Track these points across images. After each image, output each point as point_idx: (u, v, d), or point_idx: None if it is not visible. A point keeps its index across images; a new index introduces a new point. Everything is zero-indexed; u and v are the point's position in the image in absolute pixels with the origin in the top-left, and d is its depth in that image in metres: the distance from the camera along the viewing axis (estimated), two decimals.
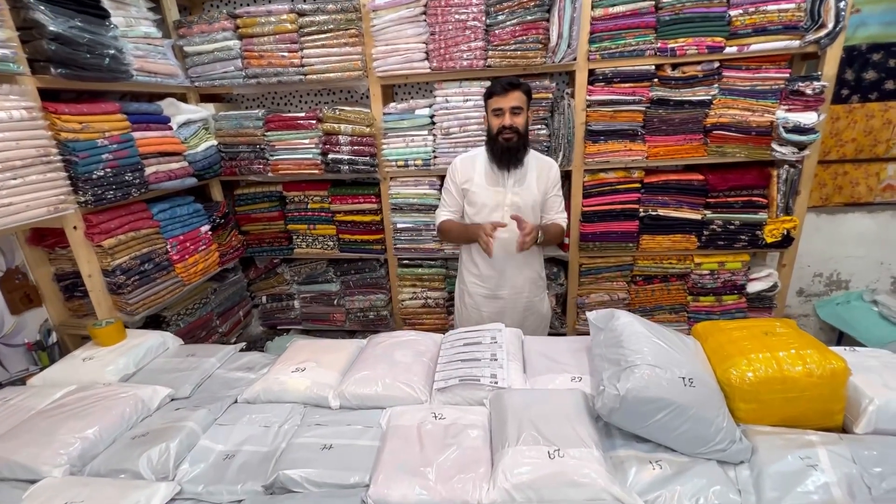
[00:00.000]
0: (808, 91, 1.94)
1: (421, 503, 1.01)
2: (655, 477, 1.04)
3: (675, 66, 2.07)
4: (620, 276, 2.42)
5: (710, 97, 2.06)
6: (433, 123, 2.27)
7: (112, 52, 1.73)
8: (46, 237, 1.84)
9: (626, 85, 2.08)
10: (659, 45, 2.00)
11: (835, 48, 1.91)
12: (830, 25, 1.85)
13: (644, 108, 2.12)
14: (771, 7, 1.90)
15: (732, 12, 1.93)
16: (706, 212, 2.20)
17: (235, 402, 1.43)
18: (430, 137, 2.29)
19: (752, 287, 2.31)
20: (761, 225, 2.17)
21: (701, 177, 2.18)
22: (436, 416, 1.23)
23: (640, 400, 1.07)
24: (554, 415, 1.15)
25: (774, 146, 2.04)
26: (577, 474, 1.00)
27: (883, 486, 0.96)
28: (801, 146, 2.00)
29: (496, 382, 1.31)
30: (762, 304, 2.34)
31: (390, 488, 1.03)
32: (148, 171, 1.92)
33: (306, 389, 1.39)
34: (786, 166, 2.09)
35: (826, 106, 1.99)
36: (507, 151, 1.70)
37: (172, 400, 1.43)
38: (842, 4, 1.83)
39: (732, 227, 2.19)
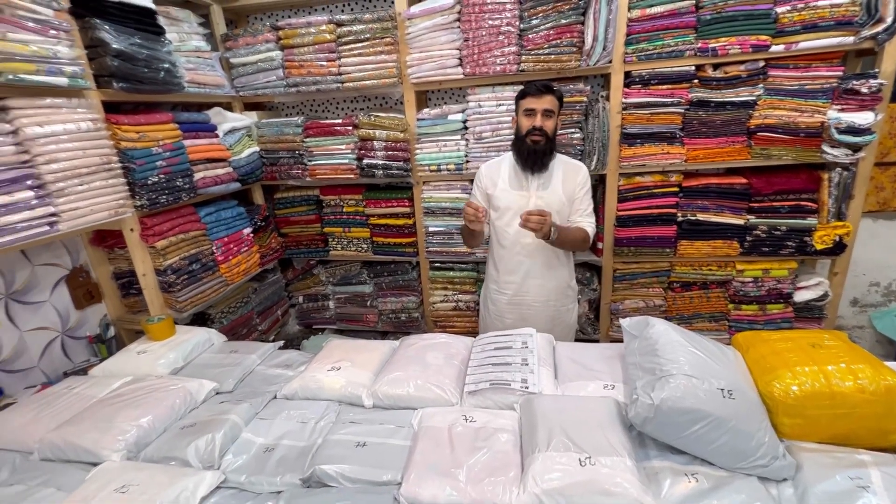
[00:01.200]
0: (864, 90, 1.83)
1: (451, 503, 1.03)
2: (691, 490, 1.01)
3: (716, 67, 2.00)
4: (657, 282, 2.35)
5: (754, 98, 1.97)
6: (466, 128, 2.29)
7: (167, 65, 1.86)
8: (107, 238, 1.97)
9: (664, 87, 2.03)
10: (699, 45, 1.94)
11: (894, 43, 1.80)
12: (889, 20, 1.74)
13: (683, 110, 2.05)
14: (822, 2, 1.80)
15: (779, 9, 1.84)
16: (749, 216, 2.11)
17: (275, 397, 1.49)
18: (463, 142, 2.31)
19: (800, 296, 2.19)
20: (810, 231, 2.06)
21: (744, 180, 2.09)
22: (466, 419, 1.24)
23: (676, 410, 1.05)
24: (585, 422, 1.14)
25: (825, 148, 1.93)
26: (608, 483, 0.99)
27: None
28: (856, 148, 1.89)
29: (527, 387, 1.31)
30: (811, 314, 2.22)
31: (421, 487, 1.05)
32: (196, 176, 2.04)
33: (341, 388, 1.43)
34: (838, 169, 1.98)
35: (884, 105, 1.87)
36: (533, 153, 1.69)
37: (217, 393, 1.52)
38: None
39: (778, 232, 2.09)
